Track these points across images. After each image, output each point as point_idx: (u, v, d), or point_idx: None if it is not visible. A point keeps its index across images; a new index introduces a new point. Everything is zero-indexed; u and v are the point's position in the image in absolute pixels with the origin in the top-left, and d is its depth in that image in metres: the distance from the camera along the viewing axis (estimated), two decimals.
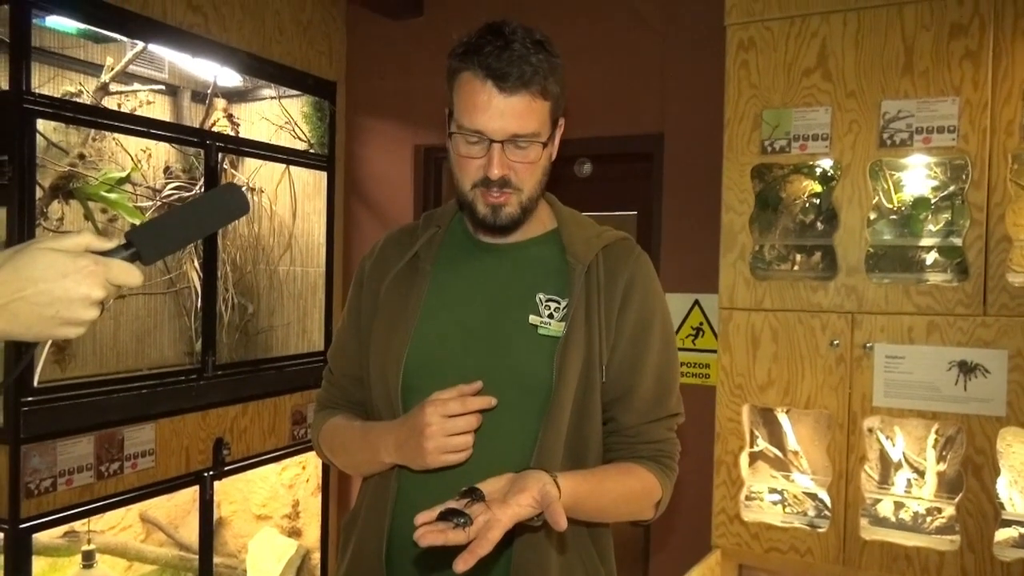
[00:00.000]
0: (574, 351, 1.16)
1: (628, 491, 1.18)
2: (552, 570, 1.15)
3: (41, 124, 2.10)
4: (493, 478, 1.01)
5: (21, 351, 1.45)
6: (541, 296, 1.21)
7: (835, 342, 1.98)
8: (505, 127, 1.12)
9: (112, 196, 2.37)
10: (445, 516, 0.94)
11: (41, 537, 2.24)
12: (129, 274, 0.81)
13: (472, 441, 1.10)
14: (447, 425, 1.08)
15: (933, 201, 2.02)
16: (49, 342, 2.24)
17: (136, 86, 2.61)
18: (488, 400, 1.10)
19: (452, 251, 1.28)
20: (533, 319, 1.19)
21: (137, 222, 2.45)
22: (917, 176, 2.06)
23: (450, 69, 1.17)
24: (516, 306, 1.21)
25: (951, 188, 2.00)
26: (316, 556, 3.00)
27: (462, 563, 0.89)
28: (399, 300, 1.25)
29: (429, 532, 0.92)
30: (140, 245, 0.83)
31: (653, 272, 1.27)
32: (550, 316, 1.19)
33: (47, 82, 2.29)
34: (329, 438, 1.30)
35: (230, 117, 2.82)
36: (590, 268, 1.21)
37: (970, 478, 1.86)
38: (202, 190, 2.59)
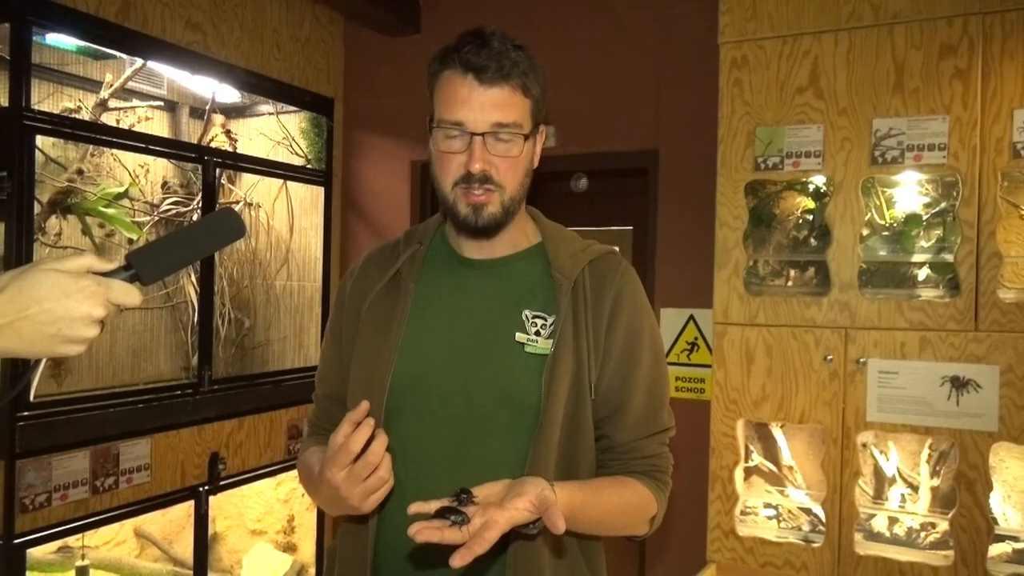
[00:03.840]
0: (563, 369, 1.14)
1: (624, 503, 1.17)
2: None
3: (40, 140, 2.11)
4: (489, 483, 0.99)
5: (20, 368, 1.48)
6: (527, 313, 1.18)
7: (829, 357, 1.99)
8: (486, 118, 1.11)
9: (110, 211, 2.38)
10: (441, 514, 0.93)
11: (35, 552, 2.24)
12: (129, 294, 0.85)
13: (386, 470, 1.03)
14: (353, 475, 1.01)
15: (925, 218, 2.04)
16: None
17: (135, 102, 2.62)
18: (369, 425, 1.01)
19: (435, 268, 1.24)
20: (520, 336, 1.16)
21: (135, 237, 2.47)
22: (909, 193, 2.09)
23: (431, 73, 1.17)
24: (501, 323, 1.17)
25: (942, 205, 2.02)
26: (311, 572, 2.98)
27: (459, 558, 0.88)
28: (381, 319, 1.22)
29: (426, 528, 0.91)
30: (139, 267, 0.87)
31: (640, 286, 1.25)
32: (537, 333, 1.17)
33: (46, 98, 2.30)
34: (301, 472, 1.28)
35: (228, 133, 2.84)
36: (576, 283, 1.18)
37: (963, 493, 1.87)
38: (200, 205, 2.60)
